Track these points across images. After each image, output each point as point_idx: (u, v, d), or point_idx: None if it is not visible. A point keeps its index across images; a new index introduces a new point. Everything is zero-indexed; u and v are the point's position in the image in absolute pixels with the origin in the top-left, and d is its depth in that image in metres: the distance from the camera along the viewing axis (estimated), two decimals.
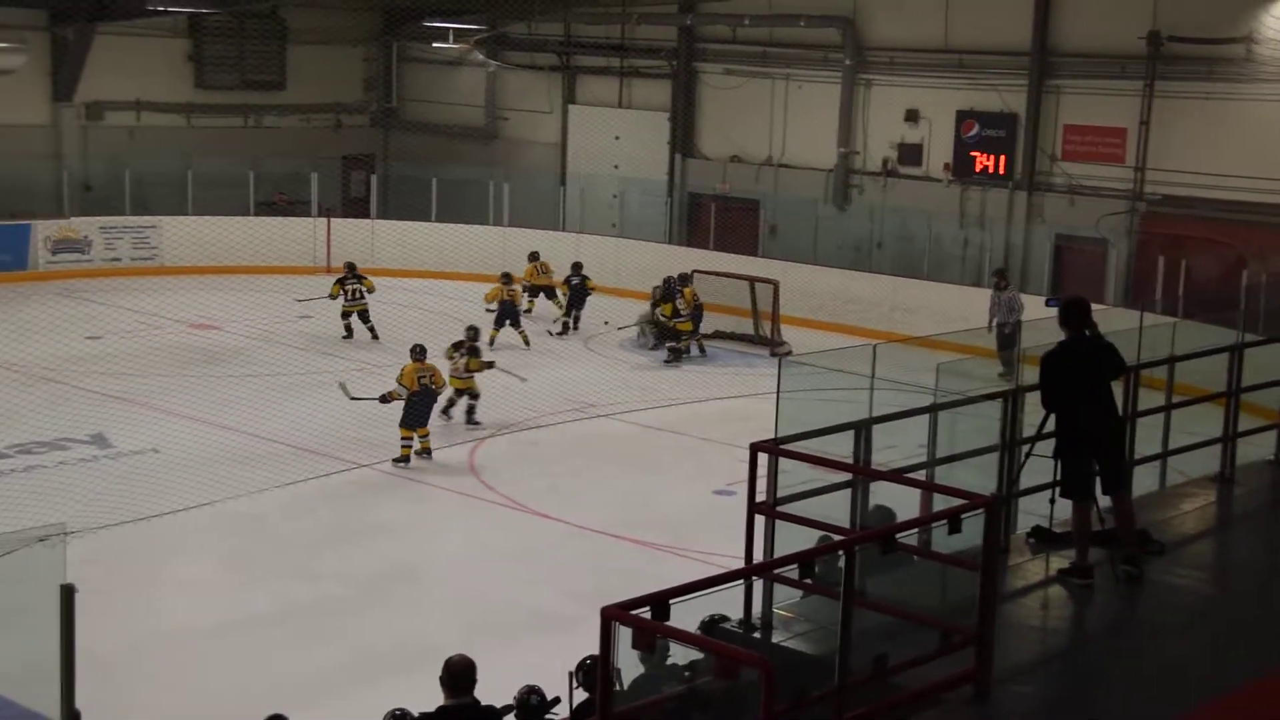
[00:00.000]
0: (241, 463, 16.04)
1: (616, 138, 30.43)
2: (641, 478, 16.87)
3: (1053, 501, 8.56)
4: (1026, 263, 24.72)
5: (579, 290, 24.54)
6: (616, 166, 30.18)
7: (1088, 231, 23.92)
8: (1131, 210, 23.50)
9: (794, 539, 7.07)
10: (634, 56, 30.10)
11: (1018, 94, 24.64)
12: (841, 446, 7.73)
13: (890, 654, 6.28)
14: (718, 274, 24.49)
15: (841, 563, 6.25)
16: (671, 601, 5.43)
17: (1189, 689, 7.14)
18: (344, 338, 22.86)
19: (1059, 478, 8.40)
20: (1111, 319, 8.87)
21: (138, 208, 28.26)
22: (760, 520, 7.34)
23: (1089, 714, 6.78)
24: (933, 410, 8.37)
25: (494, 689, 7.57)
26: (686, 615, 5.74)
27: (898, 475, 7.77)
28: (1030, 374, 8.61)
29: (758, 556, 7.27)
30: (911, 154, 26.19)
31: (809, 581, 6.76)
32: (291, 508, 15.25)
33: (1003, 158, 24.96)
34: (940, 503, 6.97)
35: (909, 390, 8.40)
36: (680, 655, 6.36)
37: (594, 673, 6.76)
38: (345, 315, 22.92)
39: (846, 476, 7.74)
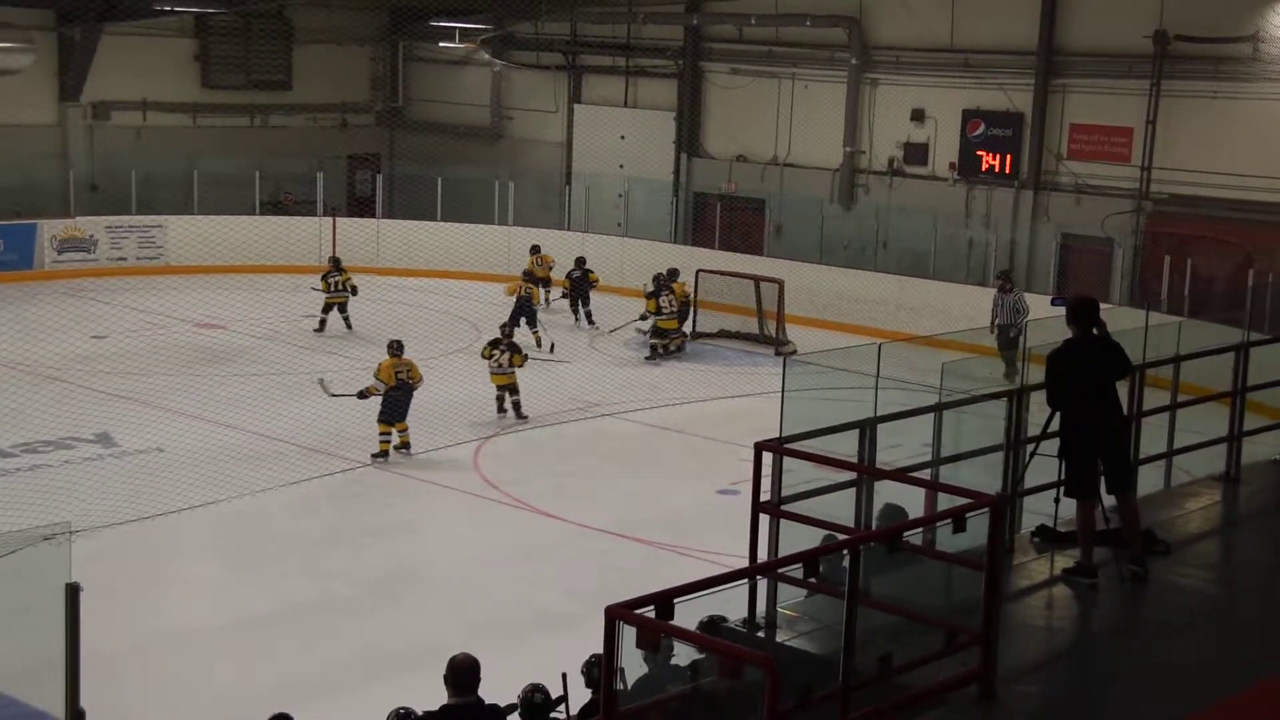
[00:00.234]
0: (246, 462, 16.05)
1: (622, 137, 30.43)
2: (646, 477, 16.86)
3: (1057, 501, 8.55)
4: (1032, 262, 24.70)
5: (580, 283, 24.56)
6: (622, 166, 30.16)
7: (1093, 231, 23.89)
8: (1137, 209, 23.47)
9: (798, 538, 7.06)
10: (640, 56, 30.09)
11: (1024, 93, 24.61)
12: (846, 446, 7.73)
13: (895, 654, 6.27)
14: (723, 273, 24.47)
15: (846, 562, 6.24)
16: (676, 601, 5.42)
17: (1195, 689, 7.13)
18: (315, 330, 23.17)
19: (1064, 477, 8.39)
20: (1117, 318, 8.84)
21: (144, 207, 28.30)
22: (765, 519, 7.33)
23: (1094, 714, 6.77)
24: (938, 409, 8.36)
25: (498, 688, 7.57)
26: (690, 615, 5.74)
27: (902, 475, 7.76)
28: (1035, 374, 8.60)
29: (762, 556, 7.27)
30: (917, 153, 26.18)
31: (813, 581, 6.75)
32: (296, 507, 15.27)
33: (1008, 157, 24.93)
34: (945, 502, 6.96)
35: (914, 389, 8.40)
36: (683, 656, 6.35)
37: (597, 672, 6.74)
38: (326, 309, 23.26)
39: (851, 476, 7.73)
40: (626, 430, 18.71)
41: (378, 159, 32.59)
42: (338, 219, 28.92)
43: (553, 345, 21.94)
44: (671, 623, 5.42)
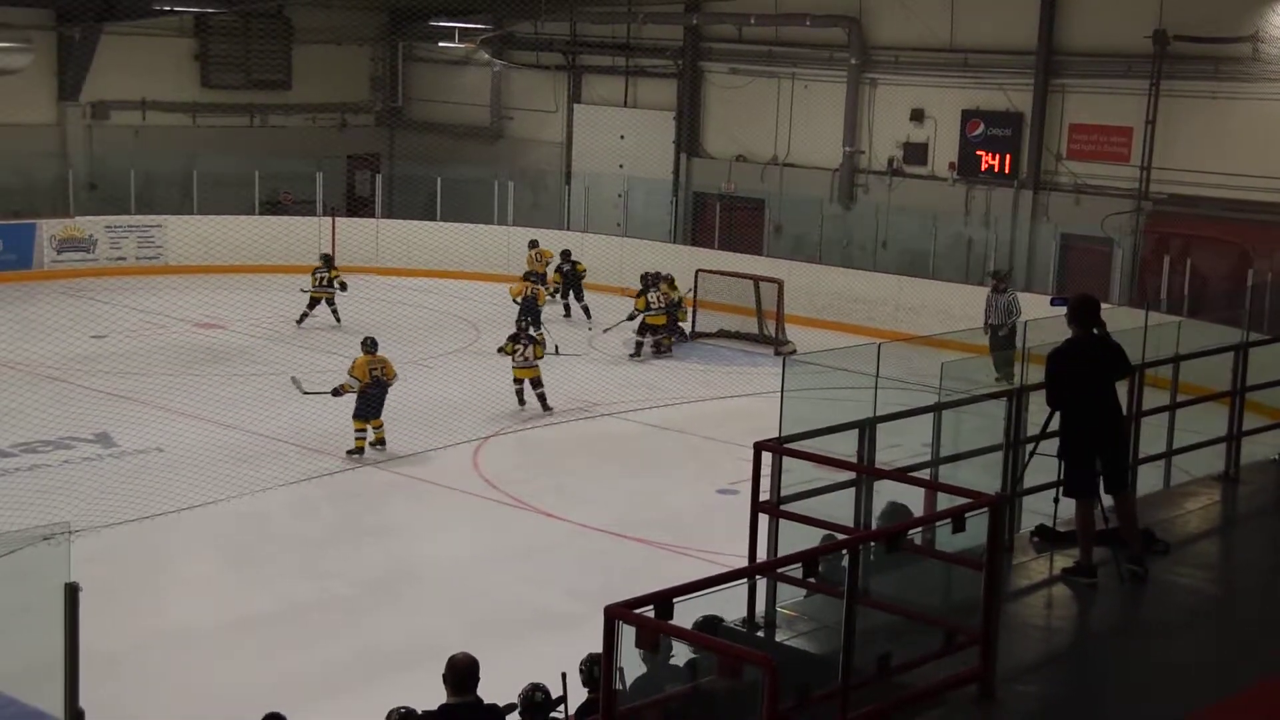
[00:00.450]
0: (246, 461, 16.05)
1: (621, 137, 30.42)
2: (645, 477, 16.86)
3: (1057, 500, 8.55)
4: (1032, 262, 24.70)
5: (570, 276, 24.61)
6: (621, 166, 30.15)
7: (1093, 231, 23.87)
8: (1137, 209, 23.46)
9: (797, 538, 7.06)
10: (639, 56, 30.08)
11: (1023, 93, 24.61)
12: (845, 446, 7.73)
13: (894, 653, 6.27)
14: (722, 273, 24.49)
15: (845, 561, 6.24)
16: (675, 601, 5.42)
17: (1195, 689, 7.13)
18: (297, 322, 23.33)
19: (1063, 477, 8.39)
20: (1117, 318, 8.84)
21: (143, 207, 28.30)
22: (764, 519, 7.33)
23: (1094, 714, 6.77)
24: (937, 409, 8.36)
25: (498, 687, 7.57)
26: (688, 615, 5.74)
27: (902, 474, 7.77)
28: (1033, 373, 8.60)
29: (761, 555, 7.27)
30: (917, 153, 26.18)
31: (813, 580, 6.75)
32: (296, 506, 15.27)
33: (1008, 157, 24.92)
34: (944, 502, 6.96)
35: (913, 389, 8.41)
36: (681, 656, 6.35)
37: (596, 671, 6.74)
38: (311, 304, 23.39)
39: (850, 476, 7.73)
40: (626, 430, 18.70)
41: (377, 159, 32.59)
42: (337, 219, 28.91)
43: (557, 347, 21.94)
44: (671, 622, 5.42)
